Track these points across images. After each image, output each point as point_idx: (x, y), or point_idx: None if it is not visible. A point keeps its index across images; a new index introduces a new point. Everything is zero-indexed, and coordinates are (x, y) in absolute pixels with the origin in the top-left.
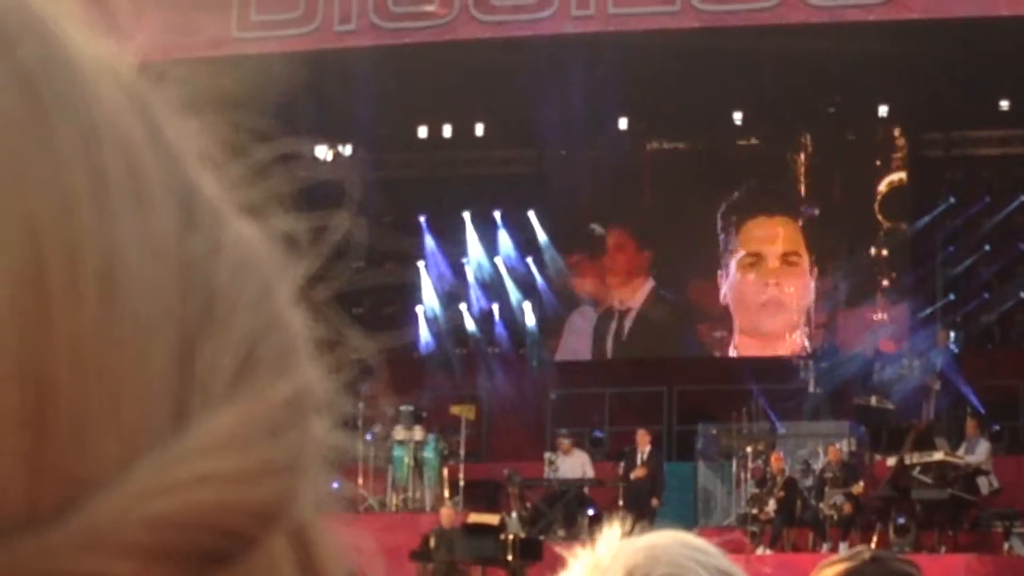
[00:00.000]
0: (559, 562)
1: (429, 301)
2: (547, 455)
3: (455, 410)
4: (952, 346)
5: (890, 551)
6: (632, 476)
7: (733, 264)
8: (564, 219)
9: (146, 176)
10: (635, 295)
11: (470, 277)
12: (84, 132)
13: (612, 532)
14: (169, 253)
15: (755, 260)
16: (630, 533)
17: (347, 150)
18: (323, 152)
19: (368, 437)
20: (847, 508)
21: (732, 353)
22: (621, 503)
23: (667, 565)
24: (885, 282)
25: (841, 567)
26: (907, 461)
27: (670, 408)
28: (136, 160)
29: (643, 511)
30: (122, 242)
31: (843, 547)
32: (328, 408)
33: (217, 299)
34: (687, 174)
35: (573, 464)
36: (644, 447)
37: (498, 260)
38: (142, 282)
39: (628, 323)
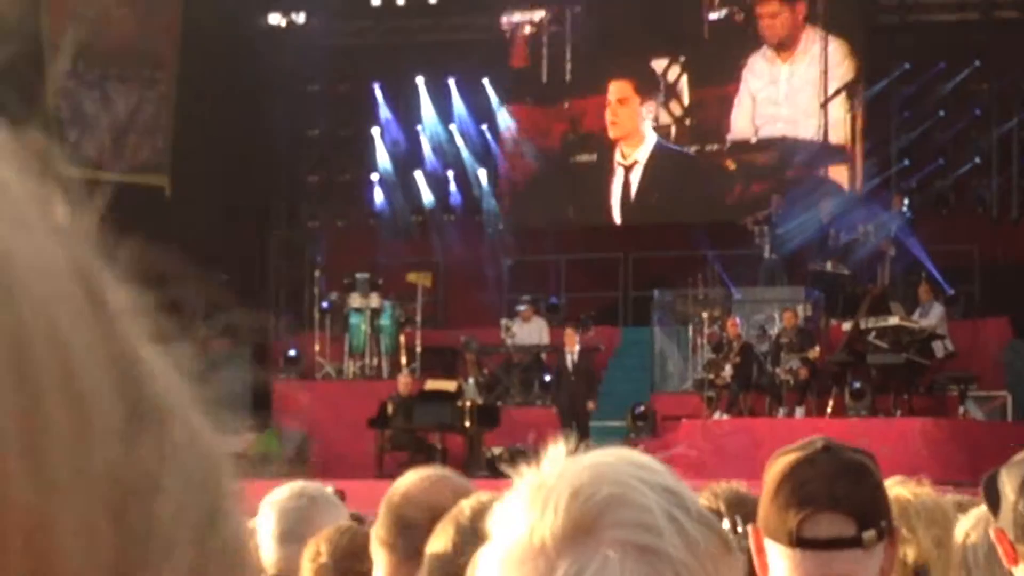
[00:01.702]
0: (516, 427)
1: (384, 168)
2: (504, 322)
3: (411, 277)
4: (906, 211)
5: (844, 442)
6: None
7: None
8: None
9: (83, 378)
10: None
11: (425, 144)
12: (12, 333)
13: (557, 451)
14: (104, 480)
15: None
16: (575, 451)
17: (301, 18)
18: (277, 20)
19: (324, 305)
20: (803, 373)
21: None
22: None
23: (612, 484)
24: None
25: (793, 457)
26: (863, 326)
27: (626, 275)
28: (70, 361)
29: (579, 415)
30: (53, 475)
31: (799, 411)
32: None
33: (155, 538)
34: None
35: (530, 331)
36: (572, 348)
37: (453, 127)
38: (73, 534)
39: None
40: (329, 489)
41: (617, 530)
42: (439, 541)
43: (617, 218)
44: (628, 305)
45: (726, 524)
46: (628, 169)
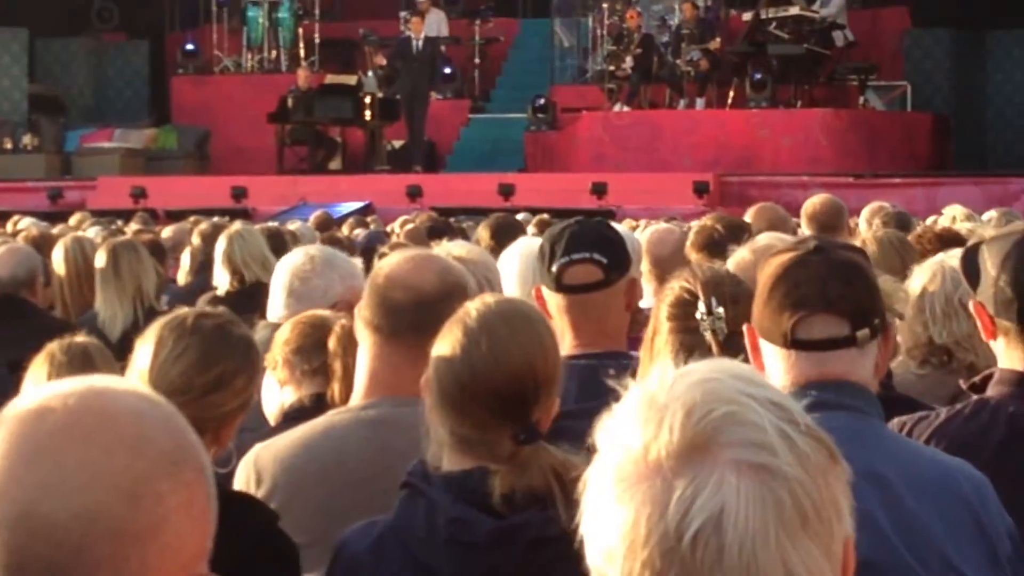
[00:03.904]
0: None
1: None
2: (402, 14)
3: None
4: None
5: (834, 239)
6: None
7: None
8: None
9: None
10: None
11: None
12: None
13: (665, 366)
14: None
15: None
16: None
17: None
18: None
19: None
20: (704, 64)
21: None
22: (477, 61)
23: (725, 402)
24: None
25: (785, 258)
26: (763, 16)
27: None
28: None
29: (416, 102)
30: None
31: (700, 103)
32: None
33: None
34: None
35: (428, 22)
36: (418, 34)
37: None
38: None
39: None
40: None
41: (732, 449)
42: (446, 343)
43: None
44: None
45: (702, 307)
46: None
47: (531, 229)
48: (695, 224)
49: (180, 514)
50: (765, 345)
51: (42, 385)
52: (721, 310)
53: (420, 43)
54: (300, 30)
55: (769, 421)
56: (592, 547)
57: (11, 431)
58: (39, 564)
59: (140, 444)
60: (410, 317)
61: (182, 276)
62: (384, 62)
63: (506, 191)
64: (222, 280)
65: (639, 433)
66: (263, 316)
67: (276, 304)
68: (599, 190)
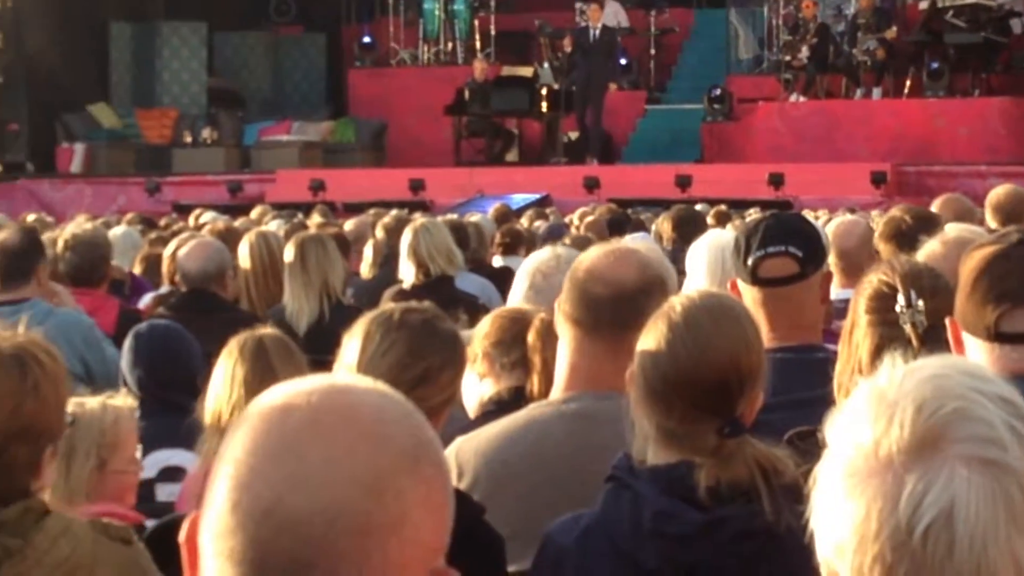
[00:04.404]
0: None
1: None
2: (578, 4)
3: None
4: None
5: None
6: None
7: None
8: None
9: None
10: None
11: None
12: None
13: (894, 362)
14: None
15: None
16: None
17: None
18: None
19: None
20: (880, 53)
21: None
22: (652, 52)
23: (955, 398)
24: None
25: (988, 251)
26: (939, 4)
27: None
28: None
29: (594, 94)
30: None
31: (876, 92)
32: None
33: None
34: None
35: (605, 13)
36: (596, 23)
37: None
38: None
39: None
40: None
41: (962, 445)
42: (651, 338)
43: None
44: None
45: (901, 300)
46: None
47: (709, 220)
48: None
49: (420, 509)
50: (968, 338)
51: (286, 383)
52: (921, 303)
53: (597, 32)
54: (476, 22)
55: (998, 416)
56: (823, 541)
57: (255, 428)
58: (282, 558)
59: (382, 440)
60: (611, 311)
61: (366, 269)
62: (571, 48)
63: (683, 182)
64: (408, 273)
65: (870, 429)
66: (450, 309)
67: (516, 296)
68: (776, 181)
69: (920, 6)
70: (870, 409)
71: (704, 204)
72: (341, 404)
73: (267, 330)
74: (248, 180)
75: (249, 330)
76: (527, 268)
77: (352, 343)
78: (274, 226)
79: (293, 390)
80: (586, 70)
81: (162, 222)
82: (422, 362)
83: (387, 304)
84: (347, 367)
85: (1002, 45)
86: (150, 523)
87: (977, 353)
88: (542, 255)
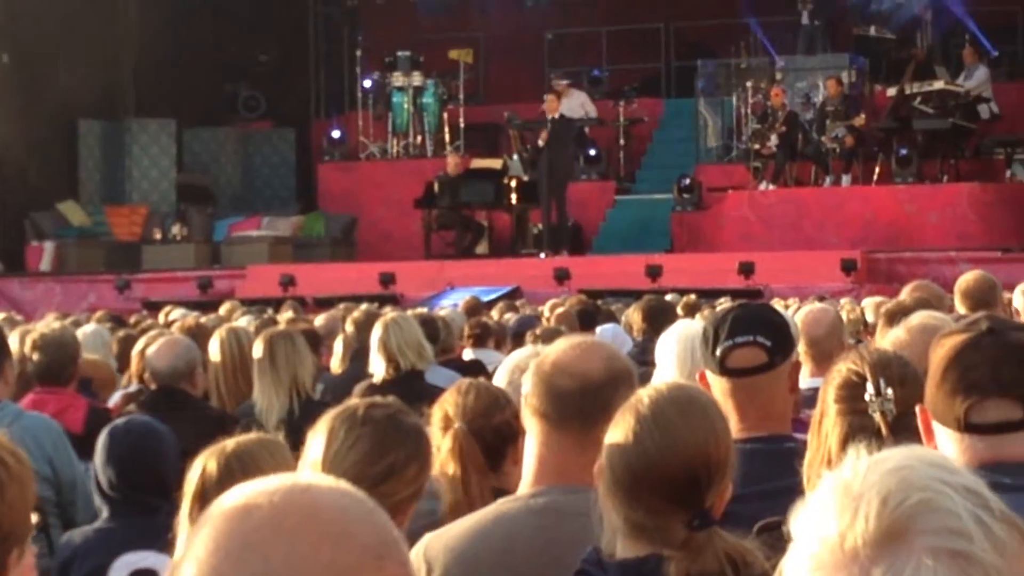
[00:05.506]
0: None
1: None
2: (546, 96)
3: (453, 54)
4: None
5: (1008, 319)
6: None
7: None
8: None
9: None
10: None
11: None
12: None
13: (859, 453)
14: None
15: None
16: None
17: None
18: None
19: (367, 84)
20: (849, 140)
21: None
22: (621, 142)
23: (920, 489)
24: None
25: (958, 340)
26: (907, 91)
27: (668, 44)
28: None
29: (555, 185)
30: None
31: (845, 179)
32: None
33: None
34: None
35: (572, 105)
36: (553, 114)
37: None
38: None
39: None
40: None
41: (929, 537)
42: (618, 431)
43: None
44: (671, 76)
45: (870, 388)
46: None
47: (679, 311)
48: (850, 302)
49: None
50: (938, 428)
51: (245, 484)
52: (890, 391)
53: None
54: (445, 115)
55: (964, 508)
56: None
57: (218, 528)
58: None
59: (345, 539)
60: (577, 404)
61: (335, 364)
62: (544, 142)
63: (653, 272)
64: (378, 368)
65: (835, 522)
66: (419, 403)
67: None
68: (746, 269)
69: (888, 93)
70: (835, 502)
71: (674, 294)
72: (303, 503)
73: (254, 434)
74: (218, 276)
75: (222, 426)
76: (507, 365)
77: (316, 440)
78: (244, 322)
79: (255, 489)
80: (546, 160)
81: (132, 319)
82: (387, 457)
83: (352, 400)
84: (311, 464)
85: (970, 131)
86: None
87: (947, 443)
88: (523, 352)
